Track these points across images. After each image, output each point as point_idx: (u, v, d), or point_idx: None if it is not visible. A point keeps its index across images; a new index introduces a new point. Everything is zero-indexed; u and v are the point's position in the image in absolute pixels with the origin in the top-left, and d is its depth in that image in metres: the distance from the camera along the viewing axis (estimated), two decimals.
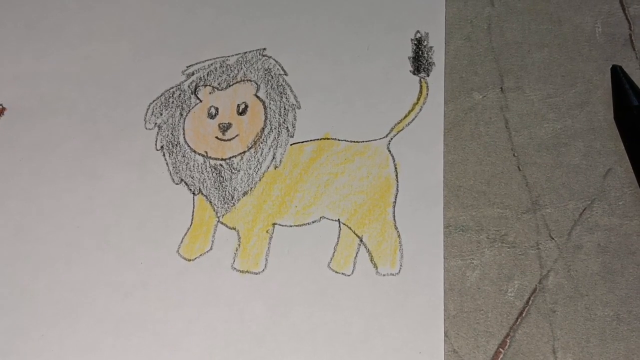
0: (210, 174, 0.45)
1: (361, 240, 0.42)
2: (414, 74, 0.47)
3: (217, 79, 0.48)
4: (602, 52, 0.47)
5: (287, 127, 0.46)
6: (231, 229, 0.43)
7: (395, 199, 0.43)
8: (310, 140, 0.45)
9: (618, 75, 0.43)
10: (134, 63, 0.50)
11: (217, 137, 0.46)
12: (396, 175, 0.44)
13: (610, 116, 0.44)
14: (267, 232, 0.43)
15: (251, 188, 0.44)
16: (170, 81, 0.49)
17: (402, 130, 0.45)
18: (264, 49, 0.49)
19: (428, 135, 0.45)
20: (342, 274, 0.41)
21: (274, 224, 0.43)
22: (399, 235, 0.42)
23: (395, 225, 0.42)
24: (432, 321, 0.39)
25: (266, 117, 0.46)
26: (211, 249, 0.42)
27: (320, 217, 0.43)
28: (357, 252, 0.41)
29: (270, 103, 0.47)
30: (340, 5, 0.51)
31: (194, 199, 0.44)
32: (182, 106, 0.47)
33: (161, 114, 0.47)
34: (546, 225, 0.41)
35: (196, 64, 0.49)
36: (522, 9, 0.49)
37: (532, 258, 0.40)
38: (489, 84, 0.47)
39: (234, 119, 0.46)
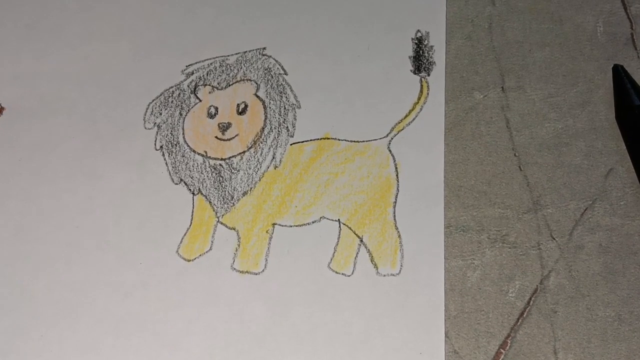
0: (210, 174, 0.45)
1: (361, 241, 0.42)
2: (415, 73, 0.47)
3: (217, 78, 0.48)
4: (604, 52, 0.46)
5: (287, 127, 0.46)
6: (231, 229, 0.43)
7: (396, 199, 0.43)
8: (310, 140, 0.45)
9: (619, 74, 0.43)
10: (134, 63, 0.50)
11: (216, 137, 0.46)
12: (397, 175, 0.43)
13: (611, 116, 0.44)
14: (267, 232, 0.42)
15: (251, 188, 0.44)
16: (170, 81, 0.49)
17: (402, 130, 0.45)
18: (264, 48, 0.49)
19: (429, 135, 0.45)
20: (343, 274, 0.41)
21: (273, 224, 0.43)
22: (399, 236, 0.41)
23: (395, 226, 0.42)
24: (433, 321, 0.39)
25: (266, 117, 0.46)
26: (211, 249, 0.42)
27: (321, 217, 0.43)
28: (358, 253, 0.41)
29: (270, 103, 0.47)
30: (340, 5, 0.51)
31: (193, 199, 0.44)
32: (181, 106, 0.47)
33: (160, 114, 0.47)
34: (547, 226, 0.41)
35: (196, 63, 0.49)
36: (523, 8, 0.49)
37: (533, 258, 0.40)
38: (490, 83, 0.46)
39: (233, 119, 0.46)
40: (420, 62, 0.47)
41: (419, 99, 0.46)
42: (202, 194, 0.44)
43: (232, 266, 0.42)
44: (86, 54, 0.51)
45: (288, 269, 0.41)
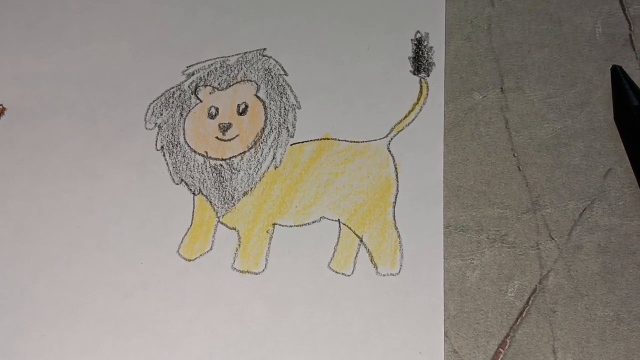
0: (211, 174, 0.45)
1: (361, 241, 0.42)
2: (414, 74, 0.47)
3: (217, 79, 0.48)
4: (602, 53, 0.47)
5: (287, 127, 0.46)
6: (231, 229, 0.43)
7: (396, 199, 0.43)
8: (311, 141, 0.45)
9: (618, 75, 0.43)
10: (134, 63, 0.50)
11: (217, 137, 0.46)
12: (396, 176, 0.44)
13: (610, 116, 0.44)
14: (267, 232, 0.43)
15: (251, 188, 0.44)
16: (170, 81, 0.49)
17: (402, 130, 0.45)
18: (264, 49, 0.49)
19: (428, 135, 0.45)
20: (342, 274, 0.41)
21: (274, 224, 0.43)
22: (399, 236, 0.42)
23: (395, 226, 0.42)
24: (432, 321, 0.39)
25: (266, 117, 0.46)
26: (211, 249, 0.42)
27: (321, 217, 0.43)
28: (357, 252, 0.41)
29: (270, 103, 0.47)
30: (340, 5, 0.51)
31: (194, 199, 0.44)
32: (182, 106, 0.47)
33: (161, 114, 0.47)
34: (546, 226, 0.41)
35: (196, 64, 0.49)
36: (523, 9, 0.49)
37: (532, 258, 0.40)
38: (489, 84, 0.47)
39: (234, 119, 0.46)
40: (420, 62, 0.47)
41: (418, 99, 0.46)
42: (202, 194, 0.44)
43: (232, 266, 0.42)
44: (86, 54, 0.51)
45: (288, 269, 0.41)
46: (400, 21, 0.49)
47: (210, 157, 0.45)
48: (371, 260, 0.41)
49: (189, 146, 0.46)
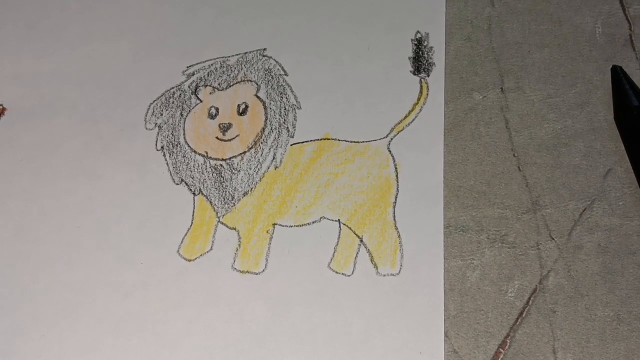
0: (211, 174, 0.45)
1: (361, 241, 0.42)
2: (414, 74, 0.47)
3: (218, 79, 0.48)
4: (602, 53, 0.47)
5: (288, 128, 0.46)
6: (231, 229, 0.43)
7: (396, 199, 0.43)
8: (311, 141, 0.45)
9: (618, 75, 0.43)
10: (134, 63, 0.50)
11: (217, 138, 0.46)
12: (396, 176, 0.44)
13: (610, 116, 0.44)
14: (267, 232, 0.43)
15: (251, 188, 0.44)
16: (170, 81, 0.49)
17: (402, 130, 0.45)
18: (264, 49, 0.49)
19: (428, 135, 0.45)
20: (343, 274, 0.41)
21: (274, 224, 0.43)
22: (399, 236, 0.42)
23: (395, 226, 0.42)
24: (433, 321, 0.39)
25: (266, 118, 0.46)
26: (211, 249, 0.42)
27: (321, 218, 0.43)
28: (358, 253, 0.41)
29: (270, 103, 0.47)
30: (340, 5, 0.51)
31: (194, 199, 0.44)
32: (182, 106, 0.47)
33: (161, 114, 0.47)
34: (546, 226, 0.41)
35: (196, 64, 0.49)
36: (523, 10, 0.49)
37: (532, 258, 0.40)
38: (489, 84, 0.47)
39: (234, 119, 0.46)
40: (420, 62, 0.47)
41: (418, 99, 0.46)
42: (202, 194, 0.44)
43: (232, 266, 0.42)
44: (86, 54, 0.51)
45: (288, 269, 0.41)
46: (400, 21, 0.49)
47: (211, 157, 0.45)
48: (371, 261, 0.41)
49: (189, 146, 0.46)
